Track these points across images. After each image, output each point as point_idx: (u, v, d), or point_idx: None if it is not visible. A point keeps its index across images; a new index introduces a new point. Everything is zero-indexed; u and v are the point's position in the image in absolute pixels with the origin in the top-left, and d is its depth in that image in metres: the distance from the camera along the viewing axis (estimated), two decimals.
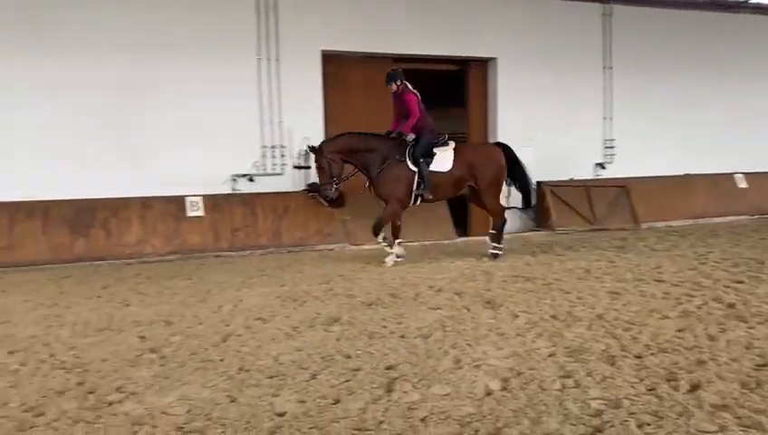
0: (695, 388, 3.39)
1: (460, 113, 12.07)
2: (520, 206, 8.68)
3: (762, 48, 12.99)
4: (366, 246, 8.99)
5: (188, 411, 3.31)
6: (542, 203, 10.94)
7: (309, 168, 9.19)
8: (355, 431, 3.03)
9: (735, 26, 12.66)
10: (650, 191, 11.48)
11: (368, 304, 5.59)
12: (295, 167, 9.73)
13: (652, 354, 3.96)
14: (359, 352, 4.20)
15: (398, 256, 7.76)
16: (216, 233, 9.11)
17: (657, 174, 11.77)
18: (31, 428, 3.18)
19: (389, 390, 3.52)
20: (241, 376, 3.81)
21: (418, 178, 7.61)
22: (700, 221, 11.39)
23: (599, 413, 3.12)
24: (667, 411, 3.12)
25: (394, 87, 7.76)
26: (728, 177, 12.39)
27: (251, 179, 9.59)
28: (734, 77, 12.70)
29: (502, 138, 10.95)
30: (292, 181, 9.74)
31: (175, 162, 9.00)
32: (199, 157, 9.13)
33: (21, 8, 8.46)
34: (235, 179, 9.51)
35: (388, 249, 7.73)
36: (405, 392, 3.46)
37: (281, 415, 3.23)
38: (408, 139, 7.74)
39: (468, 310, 5.25)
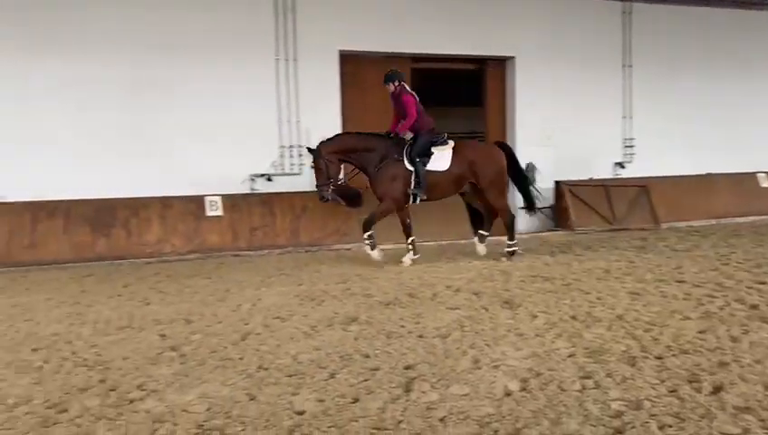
0: (717, 390, 3.35)
1: (478, 113, 12.04)
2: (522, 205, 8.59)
3: None
4: (383, 246, 8.95)
5: (208, 409, 3.33)
6: (561, 203, 10.88)
7: None
8: (374, 431, 3.04)
9: (757, 23, 12.48)
10: (671, 191, 11.34)
11: (385, 303, 5.60)
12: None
13: (673, 356, 3.91)
14: (377, 351, 4.21)
15: (415, 255, 7.71)
16: (234, 232, 9.19)
17: (677, 173, 11.62)
18: (54, 424, 3.23)
19: (408, 389, 3.52)
20: (260, 374, 3.83)
21: (414, 177, 7.57)
22: (722, 221, 11.23)
23: (619, 414, 3.10)
24: (688, 413, 3.08)
25: (392, 87, 7.72)
26: (751, 176, 12.20)
27: (269, 179, 9.65)
28: (757, 75, 12.52)
29: (520, 137, 10.96)
30: (309, 181, 9.75)
31: (194, 162, 9.09)
32: (218, 157, 9.21)
33: (49, 6, 8.58)
34: (253, 179, 9.58)
35: (368, 250, 7.64)
36: (423, 392, 3.46)
37: (300, 413, 3.25)
38: (407, 137, 7.72)
39: (487, 310, 5.23)
